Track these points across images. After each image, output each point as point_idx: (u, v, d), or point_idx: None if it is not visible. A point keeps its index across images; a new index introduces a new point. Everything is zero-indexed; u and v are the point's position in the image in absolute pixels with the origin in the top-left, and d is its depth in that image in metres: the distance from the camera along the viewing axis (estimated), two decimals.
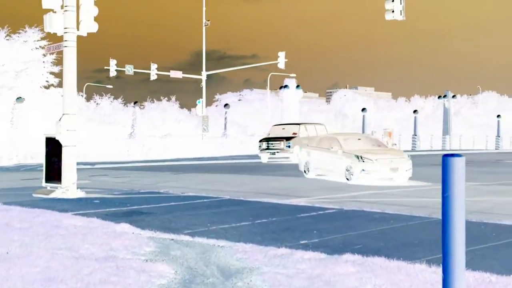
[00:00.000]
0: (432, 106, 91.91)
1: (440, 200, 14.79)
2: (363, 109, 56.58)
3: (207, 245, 8.13)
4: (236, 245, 8.09)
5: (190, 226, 9.92)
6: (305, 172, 21.53)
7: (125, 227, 9.54)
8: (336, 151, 19.66)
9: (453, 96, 60.47)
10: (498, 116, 57.83)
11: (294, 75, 62.93)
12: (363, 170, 18.52)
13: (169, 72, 53.63)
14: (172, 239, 8.58)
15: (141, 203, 13.12)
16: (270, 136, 32.99)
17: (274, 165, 29.59)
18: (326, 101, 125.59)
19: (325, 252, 7.53)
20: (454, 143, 58.17)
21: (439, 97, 61.81)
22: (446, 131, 57.28)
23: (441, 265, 6.52)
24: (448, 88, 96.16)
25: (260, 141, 33.31)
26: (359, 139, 20.74)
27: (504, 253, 7.68)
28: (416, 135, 53.51)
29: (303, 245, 8.21)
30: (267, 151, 32.00)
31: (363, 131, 54.25)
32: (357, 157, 18.73)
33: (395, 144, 55.73)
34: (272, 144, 31.95)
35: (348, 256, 7.21)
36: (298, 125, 33.39)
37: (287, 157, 31.46)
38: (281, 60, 49.72)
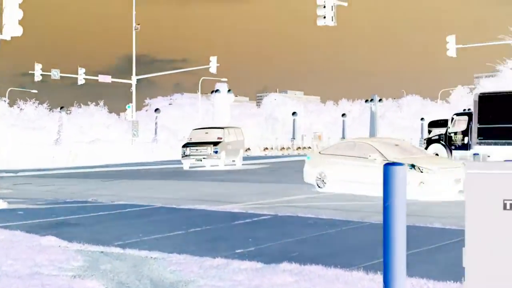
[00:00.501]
0: (359, 109, 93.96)
1: (371, 203, 14.81)
2: (294, 113, 57.18)
3: (139, 257, 7.81)
4: (170, 256, 7.81)
5: (120, 237, 9.55)
6: (318, 185, 17.49)
7: (51, 240, 9.08)
8: (375, 159, 16.15)
9: (380, 100, 61.86)
10: (422, 119, 59.74)
11: (226, 79, 62.79)
12: (421, 182, 15.37)
13: (98, 76, 52.42)
14: (102, 252, 8.21)
15: (68, 214, 12.59)
16: (192, 140, 31.01)
17: (203, 171, 29.22)
18: (257, 105, 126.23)
19: (262, 261, 7.38)
20: None
21: (366, 101, 63.19)
22: (373, 133, 58.51)
23: (378, 272, 6.52)
24: (375, 92, 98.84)
25: (184, 146, 31.04)
26: (396, 145, 17.48)
27: (438, 257, 7.75)
28: (344, 138, 54.47)
29: (239, 254, 8.03)
30: (193, 157, 30.16)
31: (293, 135, 54.79)
32: (413, 166, 15.46)
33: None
34: (198, 149, 30.08)
35: (285, 265, 7.07)
36: (222, 129, 31.75)
37: (215, 164, 30.49)
38: (213, 65, 49.55)
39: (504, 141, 24.60)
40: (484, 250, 3.61)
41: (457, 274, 5.90)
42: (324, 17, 26.92)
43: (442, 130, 29.49)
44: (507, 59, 45.90)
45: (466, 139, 27.61)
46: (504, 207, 3.55)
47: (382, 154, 16.23)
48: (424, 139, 31.61)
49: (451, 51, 38.90)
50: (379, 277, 6.01)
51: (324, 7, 26.78)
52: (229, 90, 60.25)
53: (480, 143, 25.64)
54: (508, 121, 24.24)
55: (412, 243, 8.38)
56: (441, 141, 28.92)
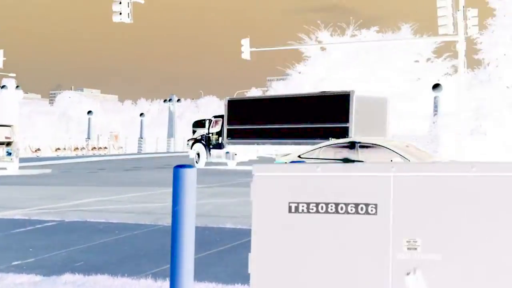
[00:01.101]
0: (157, 109, 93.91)
1: (164, 205, 14.49)
2: (89, 112, 55.18)
3: None
4: None
5: None
6: None
7: None
8: None
9: (178, 100, 62.30)
10: None
11: (14, 74, 58.54)
12: None
13: None
14: None
15: None
16: None
17: None
18: (50, 103, 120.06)
19: (42, 273, 6.70)
20: (179, 145, 59.96)
21: (165, 100, 63.22)
22: (171, 133, 58.72)
23: (167, 279, 6.24)
24: (173, 92, 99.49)
25: None
26: (407, 146, 14.89)
27: (227, 259, 7.70)
28: (142, 138, 53.93)
29: (16, 266, 7.22)
30: None
31: (88, 135, 52.82)
32: None
33: (121, 147, 55.44)
34: None
35: (67, 277, 6.49)
36: (10, 127, 28.07)
37: (3, 167, 27.56)
38: None
39: (246, 140, 27.75)
40: (270, 255, 3.48)
41: (246, 276, 5.83)
42: (120, 14, 26.19)
43: (205, 131, 31.27)
44: (296, 64, 48.66)
45: (220, 139, 29.72)
46: (289, 210, 3.45)
47: (406, 159, 13.54)
48: (188, 140, 32.99)
49: (246, 54, 40.14)
50: (168, 284, 5.72)
51: (120, 3, 26.03)
52: (17, 86, 56.22)
53: (229, 143, 28.80)
54: (249, 123, 27.17)
55: (204, 245, 8.28)
56: (202, 141, 30.75)
